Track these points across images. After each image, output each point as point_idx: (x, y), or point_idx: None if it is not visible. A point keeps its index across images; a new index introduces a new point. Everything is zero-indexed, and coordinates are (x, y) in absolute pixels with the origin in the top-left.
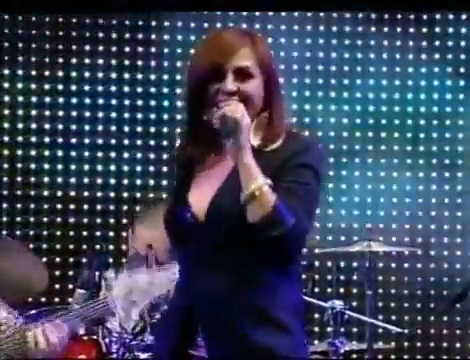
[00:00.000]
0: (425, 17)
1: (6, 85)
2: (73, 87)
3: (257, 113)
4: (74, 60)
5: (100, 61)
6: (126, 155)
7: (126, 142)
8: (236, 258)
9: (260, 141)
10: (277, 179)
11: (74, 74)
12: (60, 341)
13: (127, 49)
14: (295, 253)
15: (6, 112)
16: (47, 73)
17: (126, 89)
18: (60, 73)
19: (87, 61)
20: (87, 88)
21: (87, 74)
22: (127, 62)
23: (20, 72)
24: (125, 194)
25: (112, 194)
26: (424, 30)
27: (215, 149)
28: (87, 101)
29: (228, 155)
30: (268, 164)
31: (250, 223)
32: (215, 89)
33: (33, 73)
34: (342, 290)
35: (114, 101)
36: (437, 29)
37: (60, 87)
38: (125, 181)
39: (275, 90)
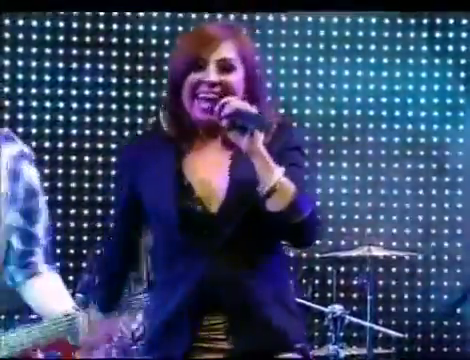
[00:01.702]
0: (425, 21)
1: (6, 89)
2: (73, 92)
3: None
4: (74, 65)
5: (100, 66)
6: None
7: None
8: (249, 246)
9: None
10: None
11: (75, 79)
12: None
13: (127, 54)
14: (315, 237)
15: (6, 117)
16: (47, 78)
17: (126, 94)
18: (60, 78)
19: (88, 66)
20: (87, 93)
21: (87, 79)
22: (127, 67)
23: (20, 76)
24: None
25: (113, 198)
26: (424, 35)
27: (196, 137)
28: (87, 106)
29: (221, 144)
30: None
31: (270, 212)
32: (196, 79)
33: (33, 78)
34: (342, 295)
35: (114, 106)
36: (437, 34)
37: (60, 92)
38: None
39: (258, 83)
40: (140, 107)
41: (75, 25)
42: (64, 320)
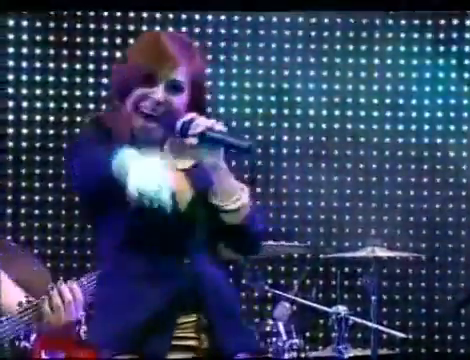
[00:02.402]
0: (429, 23)
1: (10, 90)
2: (77, 93)
3: None
4: (78, 66)
5: (104, 67)
6: None
7: None
8: (212, 248)
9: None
10: None
11: (78, 79)
12: (76, 302)
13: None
14: (259, 247)
15: (10, 117)
16: (51, 78)
17: None
18: (64, 79)
19: (91, 67)
20: (91, 94)
21: (91, 80)
22: None
23: (24, 77)
24: None
25: None
26: (429, 36)
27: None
28: (91, 106)
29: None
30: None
31: (225, 223)
32: (143, 94)
33: (37, 78)
34: (346, 296)
35: None
36: (441, 35)
37: (64, 92)
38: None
39: (202, 107)
40: None
41: (79, 26)
42: (29, 308)
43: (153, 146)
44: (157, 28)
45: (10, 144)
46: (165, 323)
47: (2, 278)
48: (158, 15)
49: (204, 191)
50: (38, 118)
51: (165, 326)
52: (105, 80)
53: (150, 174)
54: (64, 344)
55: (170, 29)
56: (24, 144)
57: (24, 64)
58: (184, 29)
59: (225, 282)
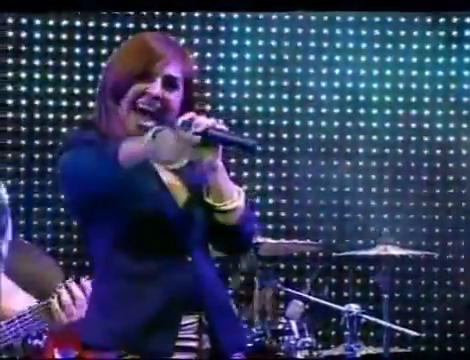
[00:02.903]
0: (442, 20)
1: (23, 89)
2: (90, 91)
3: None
4: (91, 64)
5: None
6: None
7: None
8: (206, 246)
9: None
10: None
11: (91, 77)
12: (85, 298)
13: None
14: (249, 246)
15: (23, 115)
16: (64, 77)
17: None
18: (77, 77)
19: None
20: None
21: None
22: None
23: (37, 76)
24: None
25: None
26: (441, 33)
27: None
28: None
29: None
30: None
31: (218, 222)
32: (141, 89)
33: (50, 77)
34: (359, 294)
35: None
36: (454, 32)
37: (76, 91)
38: None
39: (192, 105)
40: None
41: (91, 24)
42: (40, 307)
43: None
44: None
45: (23, 142)
46: (168, 322)
47: (4, 282)
48: (183, 14)
49: (198, 190)
50: (51, 116)
51: (168, 325)
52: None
53: (168, 144)
54: (76, 343)
55: (195, 27)
56: (37, 142)
57: (37, 62)
58: (196, 27)
59: (219, 281)
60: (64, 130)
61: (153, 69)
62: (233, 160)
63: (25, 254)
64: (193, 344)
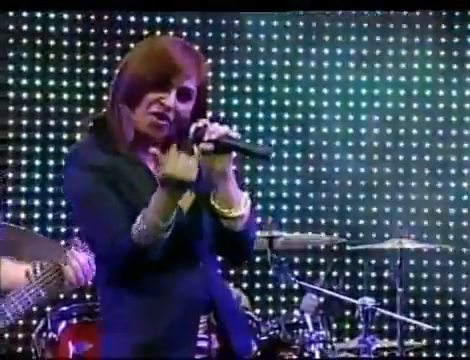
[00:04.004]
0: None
1: (38, 82)
2: (91, 84)
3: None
4: (92, 57)
5: (118, 58)
6: None
7: None
8: (212, 253)
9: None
10: None
11: (105, 71)
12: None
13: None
14: (250, 255)
15: (38, 109)
16: (78, 70)
17: None
18: (91, 70)
19: (105, 58)
20: (105, 85)
21: (105, 71)
22: None
23: (51, 69)
24: None
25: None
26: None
27: (145, 145)
28: (105, 98)
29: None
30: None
31: (225, 229)
32: (155, 98)
33: (64, 70)
34: (373, 287)
35: None
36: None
37: (91, 84)
38: None
39: (205, 112)
40: None
41: (106, 17)
42: (53, 267)
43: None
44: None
45: (37, 136)
46: (187, 331)
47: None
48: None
49: (203, 194)
50: (65, 110)
51: (187, 334)
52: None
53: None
54: (90, 335)
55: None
56: (51, 136)
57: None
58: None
59: (225, 284)
60: (65, 123)
61: (170, 81)
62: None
63: (25, 238)
64: (203, 344)
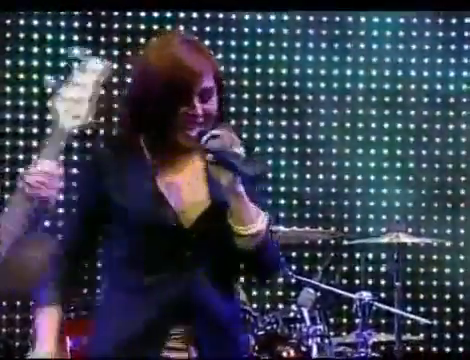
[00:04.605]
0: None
1: (35, 77)
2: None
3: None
4: (89, 51)
5: (115, 52)
6: None
7: None
8: (219, 266)
9: None
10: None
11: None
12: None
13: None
14: (274, 274)
15: (35, 104)
16: (75, 65)
17: None
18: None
19: (116, 53)
20: (115, 80)
21: (115, 66)
22: None
23: (49, 64)
24: None
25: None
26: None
27: (172, 156)
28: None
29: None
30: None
31: (238, 247)
32: (184, 113)
33: (61, 65)
34: (370, 281)
35: None
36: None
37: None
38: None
39: (223, 104)
40: None
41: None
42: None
43: (191, 155)
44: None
45: (35, 130)
46: (156, 333)
47: None
48: (195, 14)
49: (222, 208)
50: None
51: (156, 336)
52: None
53: None
54: (88, 330)
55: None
56: (49, 130)
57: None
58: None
59: (221, 298)
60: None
61: (189, 90)
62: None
63: (37, 242)
64: (181, 355)
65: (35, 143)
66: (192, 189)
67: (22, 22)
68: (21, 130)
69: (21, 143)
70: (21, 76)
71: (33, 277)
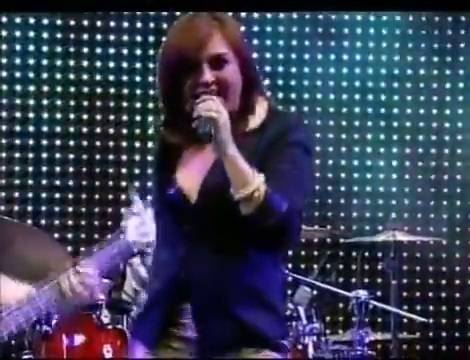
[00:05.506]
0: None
1: (31, 75)
2: (84, 77)
3: (239, 97)
4: (85, 50)
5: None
6: (150, 145)
7: (150, 132)
8: (229, 239)
9: (242, 123)
10: (265, 160)
11: (98, 77)
12: (94, 280)
13: (151, 39)
14: (292, 237)
15: (31, 103)
16: (71, 63)
17: (151, 79)
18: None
19: (112, 51)
20: (98, 78)
21: (98, 64)
22: (151, 52)
23: (45, 62)
24: (150, 184)
25: (136, 183)
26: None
27: (194, 136)
28: (111, 90)
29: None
30: (253, 145)
31: (242, 214)
32: (192, 81)
33: (58, 64)
34: (367, 280)
35: (139, 91)
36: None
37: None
38: (150, 171)
39: (251, 71)
40: None
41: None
42: (50, 286)
43: (213, 138)
44: None
45: (31, 129)
46: (160, 310)
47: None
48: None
49: (221, 181)
50: (59, 103)
51: (159, 313)
52: (125, 64)
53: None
54: (84, 328)
55: None
56: (45, 129)
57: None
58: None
59: (225, 276)
60: (72, 116)
61: (194, 56)
62: None
63: (33, 240)
64: (187, 333)
65: (31, 142)
66: (201, 167)
67: (18, 20)
68: (17, 128)
69: (17, 142)
70: (18, 75)
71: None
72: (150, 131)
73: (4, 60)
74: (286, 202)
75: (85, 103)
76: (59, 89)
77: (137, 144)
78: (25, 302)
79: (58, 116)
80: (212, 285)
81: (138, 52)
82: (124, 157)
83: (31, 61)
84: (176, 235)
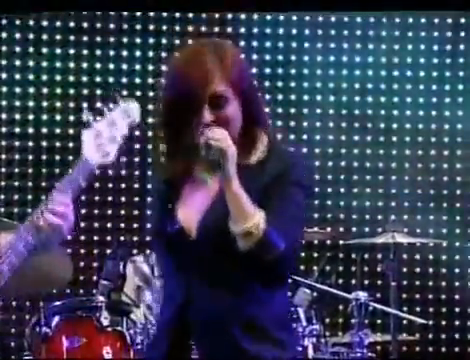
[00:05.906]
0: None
1: (31, 77)
2: (84, 79)
3: (239, 132)
4: (85, 51)
5: (125, 53)
6: (150, 146)
7: (149, 134)
8: (228, 273)
9: (243, 157)
10: (267, 196)
11: (98, 79)
12: (64, 206)
13: (151, 41)
14: (286, 273)
15: (31, 104)
16: (71, 65)
17: (150, 81)
18: (84, 78)
19: (112, 53)
20: (97, 79)
21: (98, 65)
22: (151, 54)
23: (44, 64)
24: (149, 186)
25: (136, 185)
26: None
27: (195, 167)
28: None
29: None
30: (254, 179)
31: (240, 250)
32: (195, 123)
33: (57, 65)
34: (366, 282)
35: (138, 93)
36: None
37: (71, 78)
38: (150, 173)
39: (251, 106)
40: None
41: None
42: (26, 227)
43: (220, 167)
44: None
45: (30, 130)
46: (166, 343)
47: None
48: (190, 15)
49: (221, 216)
50: (58, 105)
51: (165, 346)
52: (125, 66)
53: None
54: (84, 330)
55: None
56: (44, 130)
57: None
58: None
59: (223, 307)
60: (71, 118)
61: (194, 98)
62: None
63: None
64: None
65: (31, 143)
66: (204, 198)
67: (18, 22)
68: (17, 130)
69: (17, 143)
70: (17, 76)
71: (44, 278)
72: (149, 133)
73: (4, 62)
74: (285, 239)
75: (85, 105)
76: (59, 91)
77: (136, 145)
78: (5, 250)
79: (58, 118)
80: (214, 318)
81: (138, 54)
82: (123, 158)
83: (31, 63)
84: (178, 268)
